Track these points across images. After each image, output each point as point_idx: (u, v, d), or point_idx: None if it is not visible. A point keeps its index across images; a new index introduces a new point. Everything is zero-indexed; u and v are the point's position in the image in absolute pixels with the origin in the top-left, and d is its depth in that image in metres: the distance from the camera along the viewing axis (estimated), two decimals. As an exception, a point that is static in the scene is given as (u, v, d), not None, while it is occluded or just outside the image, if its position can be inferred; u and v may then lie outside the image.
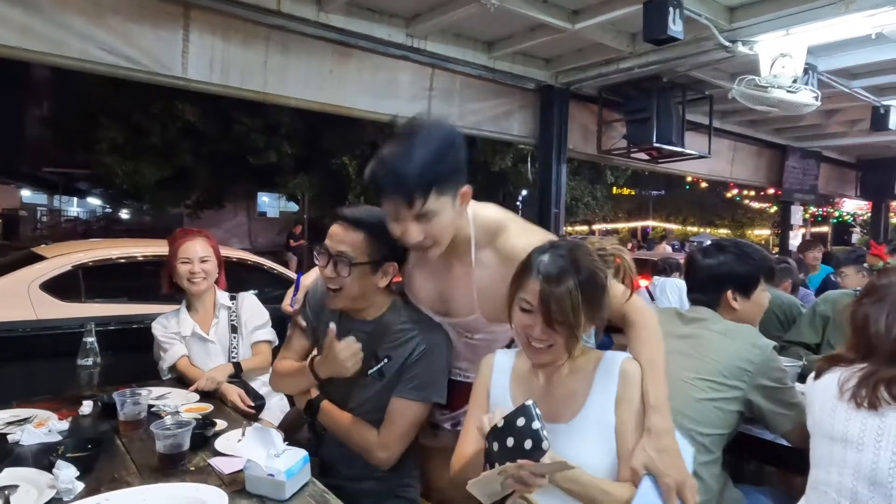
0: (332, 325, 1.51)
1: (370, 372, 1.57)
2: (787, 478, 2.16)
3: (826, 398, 1.34)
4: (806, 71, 4.00)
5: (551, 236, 1.46)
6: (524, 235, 1.43)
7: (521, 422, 1.08)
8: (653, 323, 1.38)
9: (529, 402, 1.09)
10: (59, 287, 3.11)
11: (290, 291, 1.76)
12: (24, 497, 1.26)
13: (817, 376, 1.41)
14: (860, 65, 4.56)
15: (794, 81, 3.76)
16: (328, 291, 1.56)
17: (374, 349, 1.57)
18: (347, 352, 1.50)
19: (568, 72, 4.78)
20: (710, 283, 1.78)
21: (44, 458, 1.43)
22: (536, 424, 1.07)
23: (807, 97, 3.79)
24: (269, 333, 2.42)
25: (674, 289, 4.36)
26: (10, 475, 1.34)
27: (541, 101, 5.02)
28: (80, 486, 1.30)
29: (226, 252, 3.99)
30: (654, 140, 4.97)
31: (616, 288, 1.35)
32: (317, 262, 1.57)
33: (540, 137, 5.06)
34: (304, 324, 1.70)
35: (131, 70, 3.11)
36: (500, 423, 1.11)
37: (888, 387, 1.23)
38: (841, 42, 4.06)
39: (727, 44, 3.69)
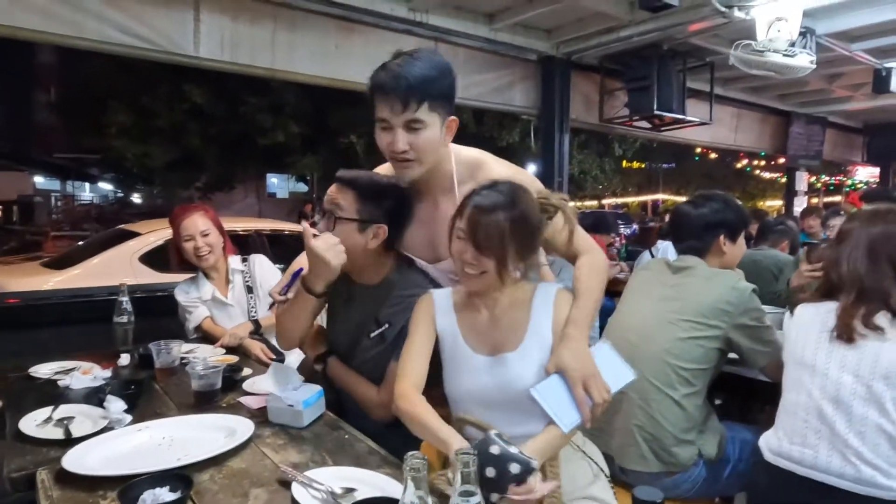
0: (305, 224, 1.56)
1: (372, 336, 1.61)
2: (771, 417, 2.32)
3: (800, 330, 1.48)
4: (804, 34, 4.04)
5: (527, 173, 1.57)
6: (503, 166, 1.53)
7: (495, 450, 1.08)
8: (598, 261, 1.49)
9: (495, 432, 1.12)
10: (155, 259, 3.50)
11: (285, 280, 1.67)
12: (81, 426, 1.42)
13: (791, 313, 1.56)
14: (860, 27, 4.55)
15: (792, 45, 3.81)
16: None
17: (375, 313, 1.62)
18: (325, 244, 1.50)
19: (568, 42, 4.83)
20: (705, 230, 1.90)
21: (92, 397, 1.59)
22: (515, 449, 1.08)
23: (804, 60, 3.84)
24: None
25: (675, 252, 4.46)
26: (65, 410, 1.51)
27: (542, 72, 5.08)
28: (129, 417, 1.46)
29: (280, 225, 4.43)
30: (655, 108, 5.02)
31: (560, 230, 1.44)
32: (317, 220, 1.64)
33: (542, 108, 5.13)
34: (282, 298, 1.66)
35: (146, 50, 3.23)
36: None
37: (864, 319, 1.35)
38: (839, 4, 4.09)
39: (723, 9, 3.74)
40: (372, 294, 1.65)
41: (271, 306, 1.77)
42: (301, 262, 1.74)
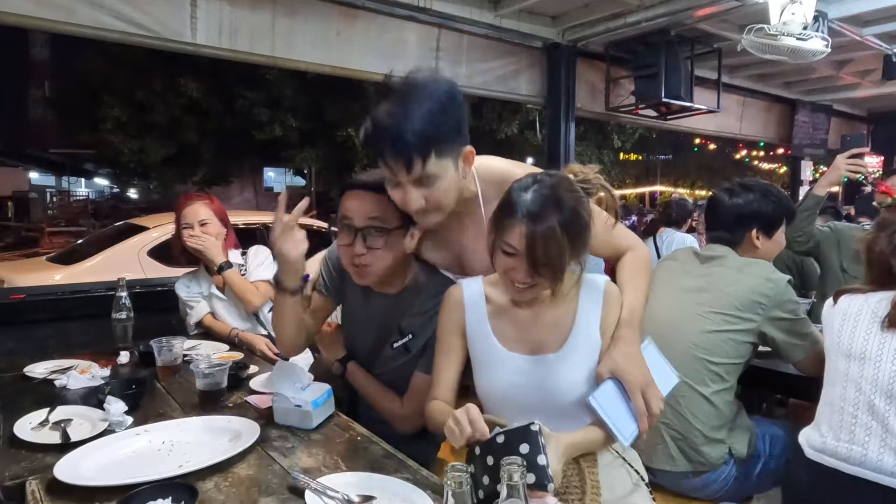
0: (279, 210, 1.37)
1: (395, 346, 1.53)
2: (797, 413, 2.25)
3: (846, 320, 1.40)
4: (816, 18, 3.94)
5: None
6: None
7: (524, 448, 0.97)
8: (643, 254, 1.39)
9: (536, 428, 0.98)
10: (164, 253, 3.46)
11: None
12: (79, 429, 1.34)
13: (835, 302, 1.47)
14: (872, 10, 4.46)
15: (805, 28, 3.71)
16: (354, 269, 1.45)
17: (398, 322, 1.53)
18: (283, 232, 1.35)
19: (575, 28, 4.72)
20: (736, 222, 1.80)
21: (91, 398, 1.50)
22: (543, 460, 0.97)
23: (817, 44, 3.74)
24: (267, 271, 2.40)
25: (682, 246, 4.33)
26: (63, 412, 1.42)
27: (548, 60, 4.97)
28: (130, 419, 1.38)
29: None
30: (663, 95, 4.93)
31: (600, 217, 1.30)
32: (336, 241, 1.48)
33: (548, 96, 5.02)
34: None
35: (141, 37, 3.11)
36: (501, 439, 1.00)
37: None
38: (852, -13, 4.01)
39: (737, -9, 3.65)
40: (392, 303, 1.54)
41: (270, 310, 1.69)
42: (308, 264, 1.61)
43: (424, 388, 1.46)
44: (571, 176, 1.24)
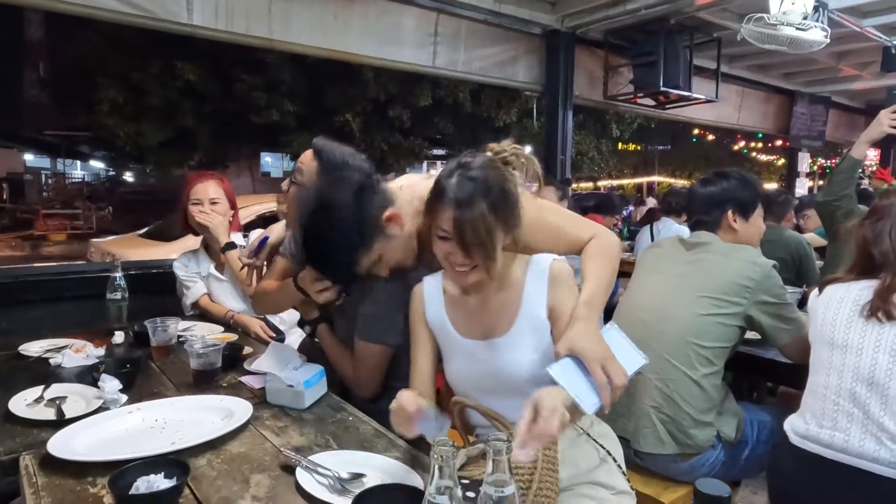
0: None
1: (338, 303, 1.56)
2: (786, 401, 2.28)
3: (829, 309, 1.41)
4: (816, 8, 3.92)
5: None
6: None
7: None
8: (609, 240, 1.35)
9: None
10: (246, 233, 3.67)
11: (254, 245, 1.85)
12: (74, 406, 1.36)
13: (820, 292, 1.49)
14: (871, 1, 4.46)
15: (805, 18, 3.69)
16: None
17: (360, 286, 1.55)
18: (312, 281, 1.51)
19: (574, 15, 4.69)
20: (712, 205, 1.84)
21: (86, 376, 1.51)
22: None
23: (817, 35, 3.72)
24: None
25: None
26: (57, 389, 1.44)
27: (547, 47, 4.93)
28: (124, 397, 1.39)
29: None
30: (661, 84, 4.90)
31: (556, 211, 1.38)
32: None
33: (546, 83, 4.99)
34: (249, 262, 1.88)
35: (136, 17, 3.06)
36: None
37: None
38: (853, -23, 3.99)
39: (737, -20, 3.62)
40: None
41: (241, 268, 1.92)
42: (272, 228, 1.85)
43: (362, 352, 1.54)
44: (490, 154, 1.25)
